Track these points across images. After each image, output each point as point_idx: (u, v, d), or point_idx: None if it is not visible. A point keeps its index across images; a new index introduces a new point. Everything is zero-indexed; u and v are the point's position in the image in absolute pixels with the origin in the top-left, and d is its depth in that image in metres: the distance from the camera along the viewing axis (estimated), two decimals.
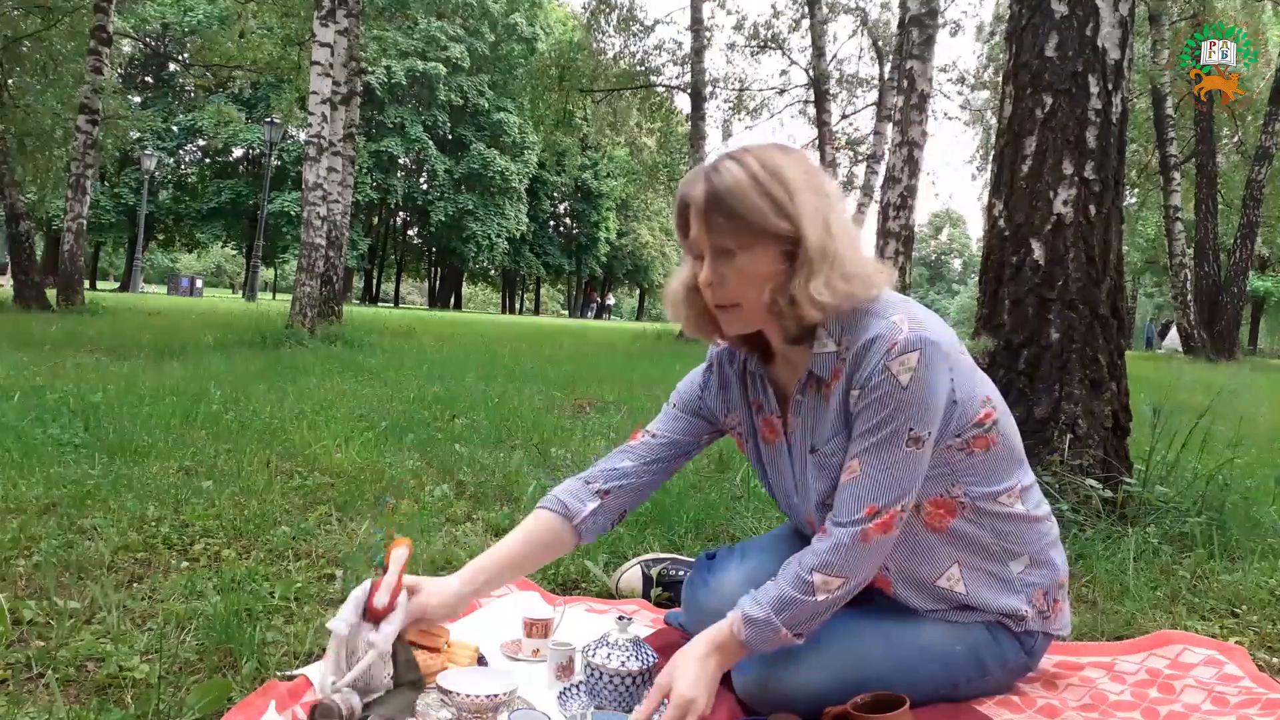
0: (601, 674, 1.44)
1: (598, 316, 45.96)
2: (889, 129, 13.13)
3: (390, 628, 1.37)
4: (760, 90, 19.65)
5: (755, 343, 1.52)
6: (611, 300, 51.22)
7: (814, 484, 1.48)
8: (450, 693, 1.35)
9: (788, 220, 1.35)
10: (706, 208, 1.37)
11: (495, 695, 1.36)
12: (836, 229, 1.38)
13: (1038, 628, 1.54)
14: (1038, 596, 1.53)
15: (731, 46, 19.11)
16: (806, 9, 17.70)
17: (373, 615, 1.38)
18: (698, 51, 15.66)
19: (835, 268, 1.36)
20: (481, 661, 1.62)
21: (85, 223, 11.89)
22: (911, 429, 1.35)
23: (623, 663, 1.43)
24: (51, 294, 11.86)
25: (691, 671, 1.35)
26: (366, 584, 1.40)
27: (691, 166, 15.50)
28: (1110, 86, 2.87)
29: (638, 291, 57.48)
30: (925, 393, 1.35)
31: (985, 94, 20.65)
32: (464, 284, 52.61)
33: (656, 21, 17.53)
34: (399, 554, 1.42)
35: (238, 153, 39.25)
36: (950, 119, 24.19)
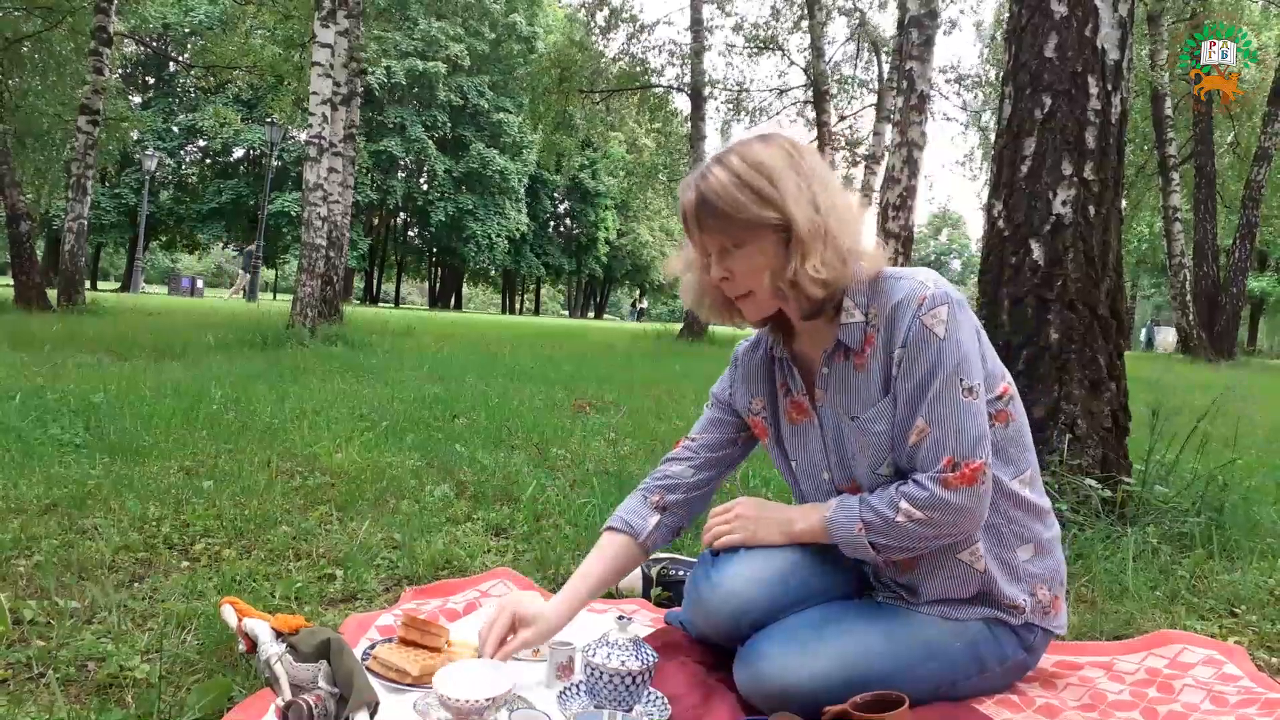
0: (601, 674, 1.44)
1: (639, 318, 46.01)
2: (888, 130, 13.13)
3: (266, 644, 1.46)
4: (759, 91, 19.66)
5: (779, 322, 1.59)
6: (644, 304, 51.63)
7: (859, 454, 1.50)
8: (445, 697, 1.34)
9: (773, 208, 1.40)
10: (697, 213, 1.45)
11: (491, 699, 1.35)
12: (826, 206, 1.42)
13: (1036, 621, 1.54)
14: (1040, 589, 1.54)
15: (731, 48, 19.11)
16: (806, 10, 17.71)
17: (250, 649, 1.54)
18: (697, 52, 15.67)
19: (830, 245, 1.41)
20: None
21: (86, 223, 11.87)
22: (962, 379, 1.40)
23: (623, 662, 1.44)
24: (52, 294, 11.85)
25: (764, 504, 1.57)
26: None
27: (691, 167, 15.55)
28: (1110, 87, 2.88)
29: (637, 291, 57.49)
30: (962, 344, 1.40)
31: (983, 92, 20.62)
32: (464, 284, 52.62)
33: (657, 21, 17.54)
34: (227, 611, 1.59)
35: (238, 153, 39.27)
36: (949, 119, 24.14)
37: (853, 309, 1.46)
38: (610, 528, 1.69)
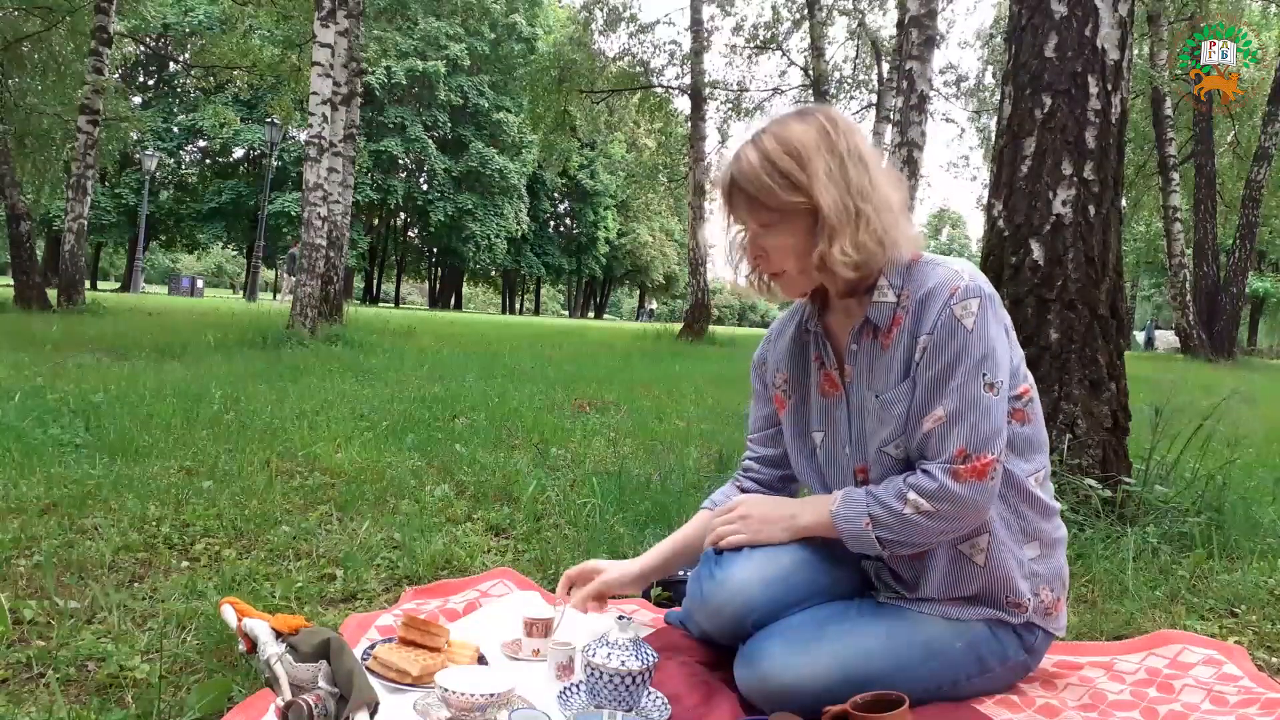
0: (601, 674, 1.44)
1: (649, 319, 46.11)
2: (888, 130, 13.13)
3: (266, 644, 1.46)
4: (760, 92, 19.66)
5: (817, 291, 1.60)
6: (653, 306, 51.77)
7: (875, 429, 1.51)
8: (447, 690, 1.36)
9: (799, 193, 1.41)
10: (730, 195, 1.47)
11: (493, 695, 1.36)
12: (860, 188, 1.41)
13: (1038, 621, 1.54)
14: (1043, 590, 1.54)
15: (732, 49, 19.11)
16: (806, 10, 17.71)
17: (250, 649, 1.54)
18: (697, 53, 15.67)
19: (863, 227, 1.41)
20: (482, 661, 1.62)
21: (86, 223, 11.88)
22: (985, 373, 1.40)
23: (623, 662, 1.44)
24: (52, 294, 11.85)
25: (768, 503, 1.58)
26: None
27: (690, 167, 15.56)
28: (1109, 87, 2.88)
29: (637, 291, 57.54)
30: (989, 338, 1.40)
31: (977, 99, 20.64)
32: (464, 284, 52.63)
33: (656, 21, 17.55)
34: (227, 610, 1.59)
35: (238, 153, 39.28)
36: (950, 121, 24.18)
37: (886, 289, 1.47)
38: (703, 508, 1.78)
